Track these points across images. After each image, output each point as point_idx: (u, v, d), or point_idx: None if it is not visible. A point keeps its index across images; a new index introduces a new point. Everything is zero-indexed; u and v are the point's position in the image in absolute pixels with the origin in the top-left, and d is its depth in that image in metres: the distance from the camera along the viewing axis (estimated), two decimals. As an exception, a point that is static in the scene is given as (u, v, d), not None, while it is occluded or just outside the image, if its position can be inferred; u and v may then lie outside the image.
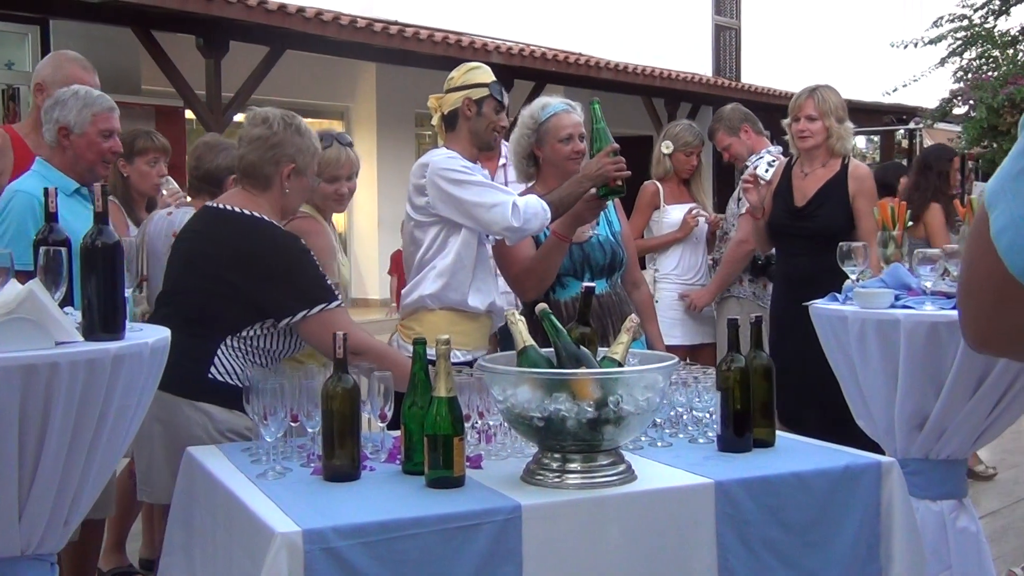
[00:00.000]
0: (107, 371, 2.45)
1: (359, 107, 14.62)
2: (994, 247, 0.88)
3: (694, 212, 5.50)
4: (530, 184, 4.11)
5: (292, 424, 2.77)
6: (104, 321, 2.56)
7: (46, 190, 2.78)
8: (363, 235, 15.26)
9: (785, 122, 4.96)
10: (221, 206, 3.28)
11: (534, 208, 3.72)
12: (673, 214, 5.55)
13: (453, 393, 2.57)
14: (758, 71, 17.77)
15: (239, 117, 11.60)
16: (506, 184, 4.65)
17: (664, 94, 15.42)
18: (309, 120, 13.90)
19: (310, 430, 2.77)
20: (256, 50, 10.79)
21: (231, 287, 3.16)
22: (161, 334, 2.72)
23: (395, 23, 11.87)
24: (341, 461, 2.61)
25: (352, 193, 3.91)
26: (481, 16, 14.02)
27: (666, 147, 5.54)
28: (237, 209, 3.24)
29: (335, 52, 11.77)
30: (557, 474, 2.55)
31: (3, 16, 10.22)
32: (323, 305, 3.15)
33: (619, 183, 3.78)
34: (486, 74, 3.95)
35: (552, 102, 4.04)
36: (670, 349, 4.46)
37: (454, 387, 2.59)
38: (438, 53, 11.47)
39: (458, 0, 13.90)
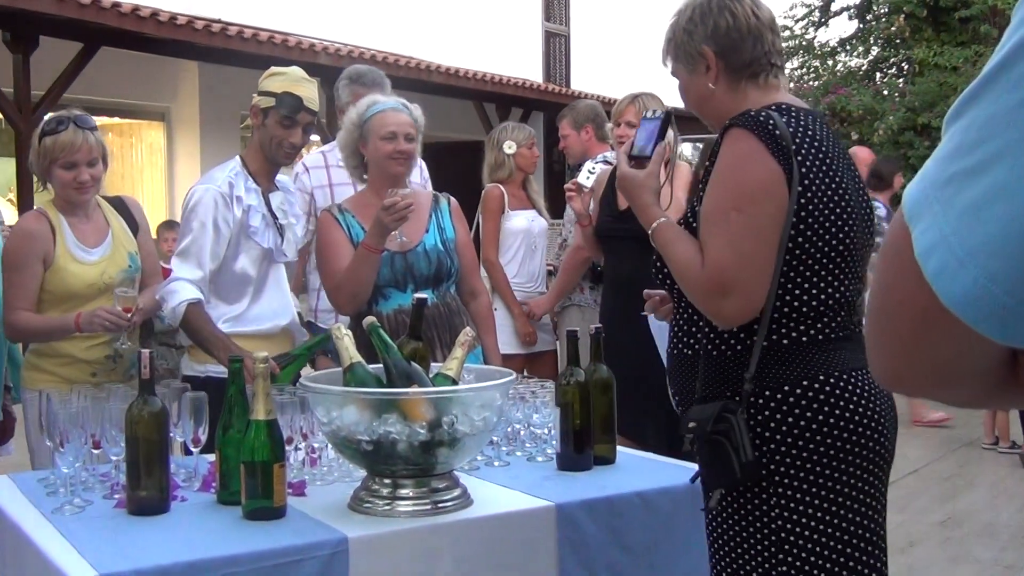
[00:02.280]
0: None
1: (181, 107, 14.02)
2: (917, 269, 0.72)
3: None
4: (364, 187, 3.85)
5: (94, 451, 2.51)
6: None
7: None
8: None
9: (608, 126, 4.99)
10: None
11: (174, 306, 3.39)
12: (516, 220, 5.41)
13: (273, 416, 2.37)
14: (587, 78, 17.88)
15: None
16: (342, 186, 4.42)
17: (495, 99, 15.35)
18: (128, 121, 13.17)
19: (114, 457, 2.51)
20: (69, 46, 10.19)
21: None
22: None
23: (218, 21, 11.43)
24: (148, 492, 2.37)
25: (97, 181, 3.47)
26: (308, 16, 13.65)
27: (509, 147, 5.40)
28: None
29: (154, 50, 11.23)
30: (387, 501, 2.37)
31: None
32: None
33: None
34: (285, 82, 3.53)
35: (382, 99, 3.76)
36: (508, 359, 4.30)
37: (274, 409, 2.38)
38: (264, 53, 11.08)
39: (284, -1, 13.52)
